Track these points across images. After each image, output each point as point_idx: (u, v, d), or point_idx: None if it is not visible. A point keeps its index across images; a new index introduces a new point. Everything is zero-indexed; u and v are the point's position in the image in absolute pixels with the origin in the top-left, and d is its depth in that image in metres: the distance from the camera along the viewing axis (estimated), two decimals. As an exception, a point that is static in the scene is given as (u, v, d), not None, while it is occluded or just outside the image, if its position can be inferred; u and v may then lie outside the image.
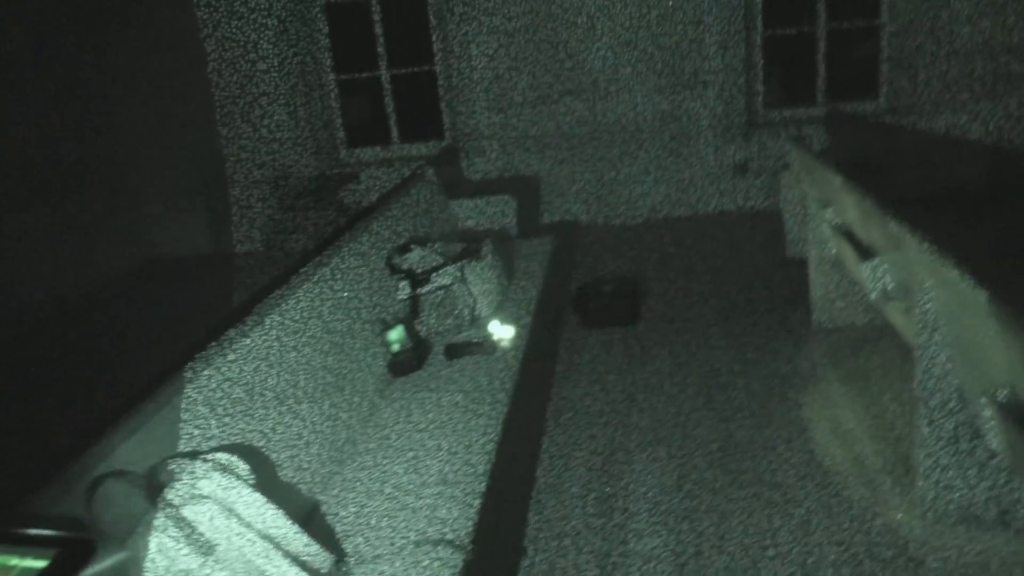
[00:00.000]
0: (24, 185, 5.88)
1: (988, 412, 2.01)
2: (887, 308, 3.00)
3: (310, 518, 2.15)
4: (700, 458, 3.05)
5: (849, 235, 3.34)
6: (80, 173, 6.28)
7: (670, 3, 6.08)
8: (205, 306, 5.41)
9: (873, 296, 2.96)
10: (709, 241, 5.80)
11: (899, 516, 2.58)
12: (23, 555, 1.09)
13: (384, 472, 2.36)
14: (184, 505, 1.55)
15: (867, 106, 6.32)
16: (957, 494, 2.43)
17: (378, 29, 6.52)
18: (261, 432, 2.14)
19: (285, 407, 2.29)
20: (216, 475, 1.66)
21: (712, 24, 6.11)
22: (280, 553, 1.68)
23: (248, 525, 1.65)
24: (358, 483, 2.32)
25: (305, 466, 2.27)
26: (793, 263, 4.56)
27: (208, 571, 1.51)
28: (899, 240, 2.57)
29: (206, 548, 1.50)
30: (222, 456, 1.75)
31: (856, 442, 3.05)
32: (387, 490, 2.26)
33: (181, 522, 1.52)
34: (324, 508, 2.22)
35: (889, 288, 2.85)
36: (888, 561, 2.40)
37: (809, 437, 3.11)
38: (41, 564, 1.08)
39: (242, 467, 1.75)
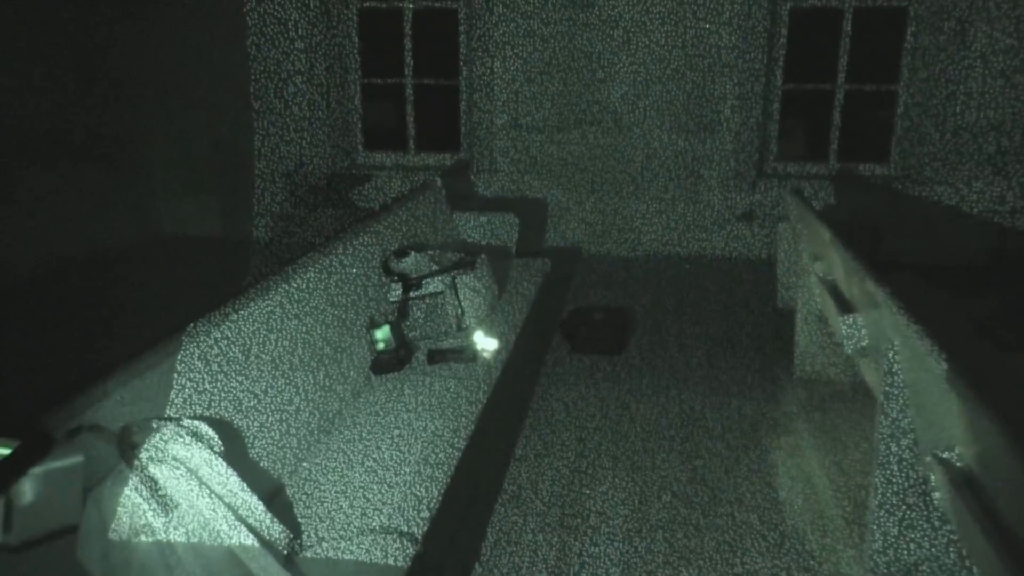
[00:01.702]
0: (45, 150, 6.01)
1: (935, 470, 2.08)
2: (861, 363, 3.07)
3: (274, 496, 2.23)
4: (664, 490, 3.12)
5: (834, 290, 3.42)
6: (98, 143, 6.42)
7: (693, 46, 6.21)
8: (200, 286, 5.51)
9: (848, 350, 3.04)
10: (706, 283, 5.89)
11: (845, 569, 2.64)
12: None
13: (352, 462, 2.44)
14: (151, 464, 1.63)
15: (877, 169, 6.42)
16: (904, 550, 2.49)
17: (407, 39, 6.67)
18: (238, 408, 2.22)
19: (265, 388, 2.38)
20: (187, 440, 1.74)
21: (733, 72, 6.24)
22: (240, 523, 1.76)
23: (212, 492, 1.73)
24: (326, 470, 2.40)
25: (277, 447, 2.35)
26: (783, 313, 4.64)
27: (168, 528, 1.59)
28: (874, 299, 2.65)
29: (167, 506, 1.58)
30: (195, 424, 1.83)
31: (817, 493, 3.11)
32: (352, 480, 2.34)
33: (146, 479, 1.60)
34: (290, 489, 2.30)
35: (863, 344, 2.94)
36: (829, 608, 2.46)
37: (772, 484, 3.18)
38: (5, 451, 1.18)
39: (213, 437, 1.83)
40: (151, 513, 1.59)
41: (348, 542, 2.00)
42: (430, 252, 3.54)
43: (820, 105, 6.46)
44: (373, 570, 1.92)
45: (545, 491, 3.12)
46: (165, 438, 1.70)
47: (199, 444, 1.78)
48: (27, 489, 1.19)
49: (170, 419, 1.82)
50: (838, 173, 6.41)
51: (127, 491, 1.59)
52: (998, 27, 5.84)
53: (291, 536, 1.89)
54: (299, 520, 2.13)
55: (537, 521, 2.92)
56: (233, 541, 1.73)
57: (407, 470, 2.37)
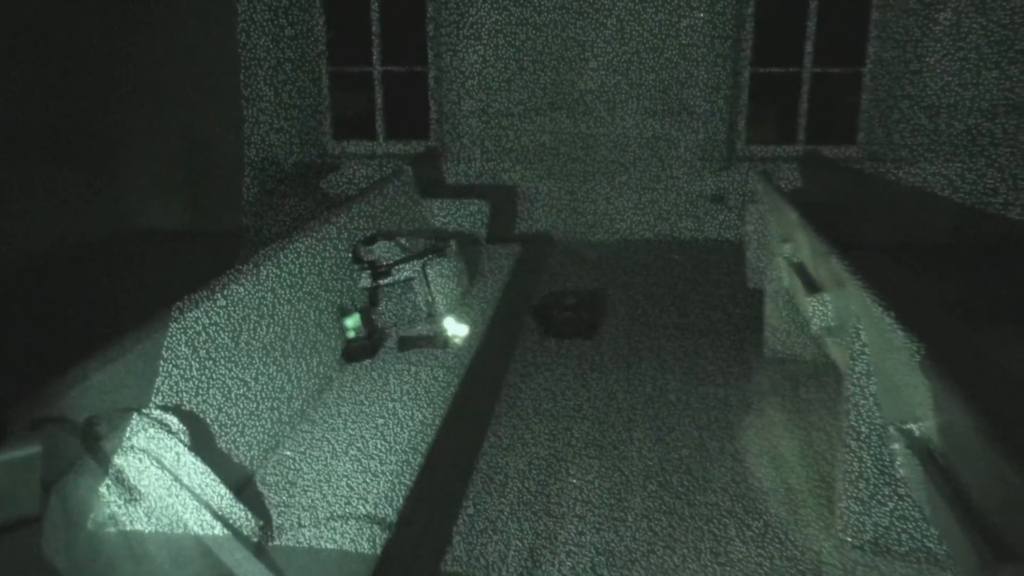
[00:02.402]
0: (12, 145, 5.90)
1: (898, 443, 2.11)
2: (828, 342, 3.11)
3: (245, 485, 2.22)
4: (635, 471, 3.14)
5: (802, 270, 3.46)
6: (65, 137, 6.31)
7: (661, 30, 6.22)
8: (169, 279, 5.45)
9: (816, 329, 3.08)
10: (677, 266, 5.92)
11: (815, 542, 2.68)
12: None
13: (324, 450, 2.43)
14: (116, 455, 1.61)
15: (845, 151, 6.48)
16: (871, 522, 2.54)
17: (375, 26, 6.61)
18: (209, 396, 2.20)
19: (236, 376, 2.36)
20: (152, 431, 1.72)
21: (702, 56, 6.25)
22: (207, 511, 1.74)
23: (178, 481, 1.72)
24: (297, 458, 2.39)
25: (248, 434, 2.34)
26: (753, 294, 4.68)
27: (132, 518, 1.57)
28: (840, 278, 2.69)
29: (133, 497, 1.57)
30: (162, 414, 1.81)
31: (787, 469, 3.15)
32: (324, 467, 2.33)
33: (111, 470, 1.59)
34: (261, 478, 2.28)
35: (830, 323, 2.97)
36: (799, 582, 2.50)
37: (743, 462, 3.21)
38: None
39: (180, 427, 1.81)
40: (116, 504, 1.57)
41: (320, 529, 2.00)
42: (400, 239, 3.53)
43: (789, 88, 6.50)
44: (345, 557, 1.92)
45: (519, 476, 3.13)
46: (130, 429, 1.69)
47: (166, 434, 1.77)
48: None
49: (135, 410, 1.80)
50: (806, 155, 6.46)
51: (91, 482, 1.57)
52: (963, 9, 5.90)
53: (261, 524, 1.88)
54: (270, 508, 2.13)
55: (510, 506, 2.93)
56: (202, 531, 1.72)
57: (379, 457, 2.37)
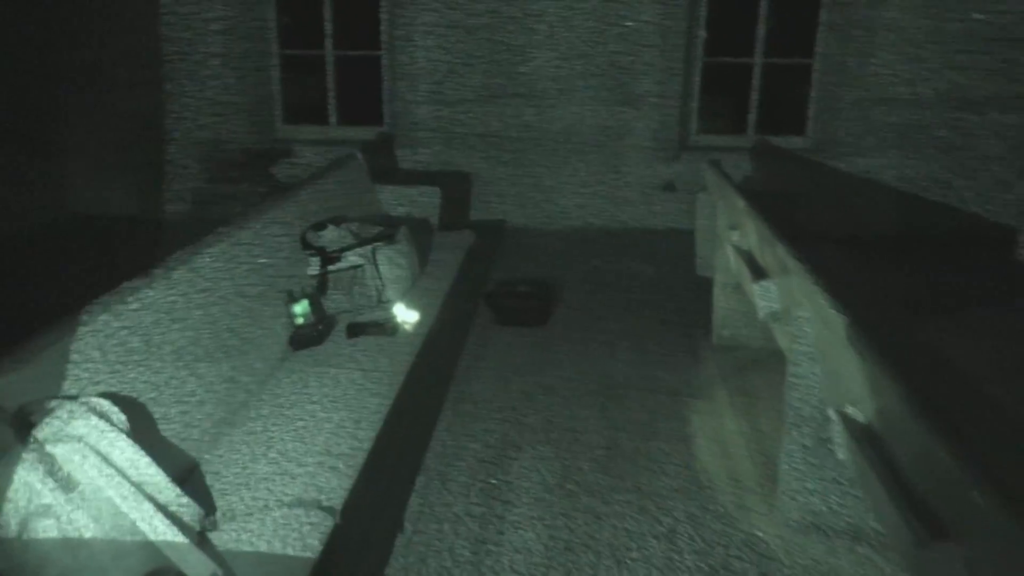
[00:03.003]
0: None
1: (837, 426, 2.16)
2: (774, 327, 3.16)
3: (189, 474, 2.18)
4: (585, 461, 3.16)
5: (749, 257, 3.51)
6: (6, 121, 6.12)
7: (614, 19, 6.23)
8: (119, 262, 5.34)
9: (762, 315, 3.13)
10: (629, 255, 5.96)
11: (759, 523, 2.73)
12: None
13: (271, 437, 2.40)
14: (50, 443, 1.57)
15: (794, 142, 6.58)
16: (811, 504, 2.59)
17: (327, 9, 6.51)
18: (153, 383, 2.16)
19: (182, 362, 2.32)
20: (89, 419, 1.68)
21: (655, 46, 6.28)
22: (147, 501, 1.71)
23: (117, 470, 1.68)
24: (244, 445, 2.36)
25: (194, 423, 2.30)
26: (703, 281, 4.74)
27: (69, 508, 1.53)
28: (785, 265, 2.73)
29: (67, 486, 1.53)
30: (98, 401, 1.77)
31: (733, 455, 3.20)
32: (271, 454, 2.30)
33: (45, 458, 1.54)
34: (207, 465, 2.25)
35: (775, 309, 3.02)
36: (743, 567, 2.54)
37: (690, 449, 3.25)
38: None
39: (118, 414, 1.77)
40: (50, 493, 1.53)
41: (265, 518, 1.98)
42: (350, 225, 3.49)
43: (740, 79, 6.57)
44: (291, 545, 1.90)
45: (467, 461, 3.13)
46: (65, 417, 1.64)
47: (103, 422, 1.73)
48: None
49: (71, 397, 1.76)
50: (757, 145, 6.54)
51: (23, 471, 1.53)
52: (906, 4, 6.03)
53: (204, 513, 1.85)
54: (214, 497, 2.09)
55: (460, 491, 2.93)
56: (142, 521, 1.69)
57: (327, 444, 2.35)
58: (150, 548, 1.67)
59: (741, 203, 3.45)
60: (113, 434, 1.73)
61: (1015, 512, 1.22)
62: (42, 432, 1.59)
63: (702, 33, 6.41)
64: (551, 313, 4.63)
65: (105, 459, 1.68)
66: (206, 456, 2.30)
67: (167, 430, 2.18)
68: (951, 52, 6.06)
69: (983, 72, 6.07)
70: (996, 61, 6.03)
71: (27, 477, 1.52)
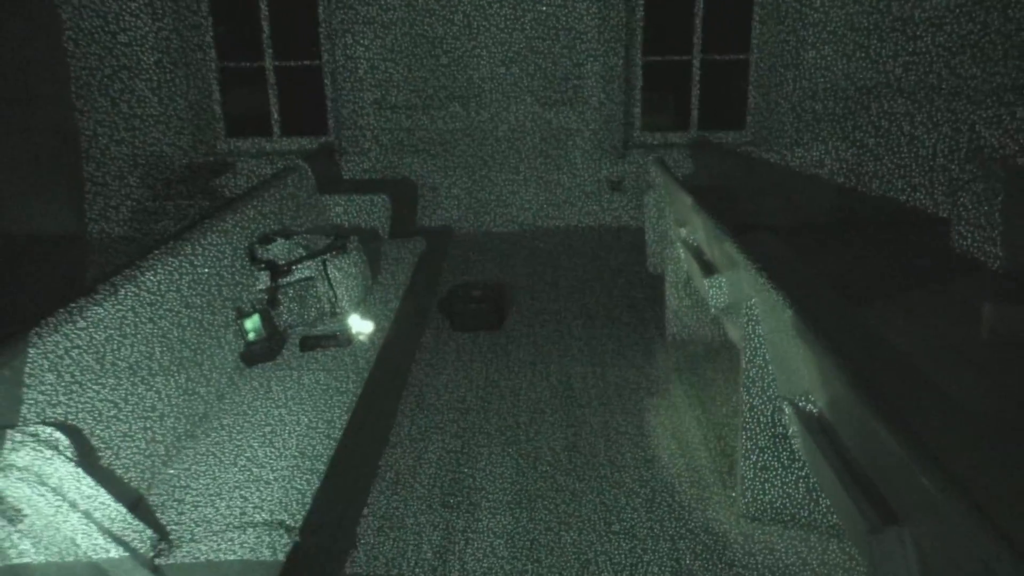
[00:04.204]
0: None
1: (790, 416, 2.20)
2: (725, 321, 3.21)
3: (140, 500, 2.13)
4: (545, 463, 3.17)
5: (698, 253, 3.56)
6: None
7: (554, 21, 6.27)
8: (56, 283, 5.20)
9: (713, 310, 3.17)
10: (578, 253, 6.00)
11: (717, 516, 2.77)
12: None
13: (224, 459, 2.36)
14: (-6, 475, 1.52)
15: (734, 136, 6.70)
16: (769, 495, 2.64)
17: (264, 20, 6.43)
18: (96, 409, 2.10)
19: (126, 385, 2.26)
20: (33, 448, 1.63)
21: (594, 45, 6.34)
22: (98, 530, 1.67)
23: (65, 500, 1.63)
24: (196, 469, 2.31)
25: (141, 446, 2.24)
26: (654, 278, 4.79)
27: (15, 542, 1.49)
28: (733, 259, 2.78)
29: (13, 518, 1.48)
30: (44, 429, 1.72)
31: (690, 448, 3.24)
32: (225, 477, 2.26)
33: (-11, 492, 1.49)
34: (157, 491, 2.20)
35: (726, 303, 3.07)
36: (703, 560, 2.57)
37: (648, 443, 3.29)
38: None
39: (64, 441, 1.72)
40: (-4, 528, 1.48)
41: (220, 540, 1.94)
42: (298, 237, 3.45)
43: (681, 76, 6.66)
44: (248, 567, 1.87)
45: (426, 472, 3.11)
46: (7, 447, 1.59)
47: (48, 451, 1.68)
48: None
49: (12, 427, 1.71)
50: (699, 141, 6.64)
51: (-34, 507, 1.48)
52: (836, -3, 6.19)
53: (157, 539, 1.81)
54: (166, 522, 2.05)
55: (419, 502, 2.91)
56: (93, 551, 1.64)
57: (283, 462, 2.32)
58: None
59: (688, 200, 3.49)
60: (58, 462, 1.68)
61: (960, 494, 1.26)
62: (-16, 465, 1.54)
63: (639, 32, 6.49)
64: (505, 317, 4.64)
65: (51, 489, 1.63)
66: (162, 474, 2.25)
67: (120, 450, 2.13)
68: (879, 41, 6.22)
69: (912, 59, 6.24)
70: (926, 46, 6.21)
71: (-30, 513, 1.47)
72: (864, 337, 3.15)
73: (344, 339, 3.09)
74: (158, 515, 2.07)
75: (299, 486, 2.21)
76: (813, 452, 2.03)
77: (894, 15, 6.15)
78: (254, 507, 2.10)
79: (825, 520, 2.62)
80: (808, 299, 2.22)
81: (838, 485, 1.80)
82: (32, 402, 1.87)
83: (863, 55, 6.24)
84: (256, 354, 2.99)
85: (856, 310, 4.11)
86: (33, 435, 1.67)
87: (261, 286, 3.24)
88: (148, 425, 2.30)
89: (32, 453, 1.62)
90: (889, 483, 1.60)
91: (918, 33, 6.17)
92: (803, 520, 2.64)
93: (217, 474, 2.28)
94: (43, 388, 1.94)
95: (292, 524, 2.04)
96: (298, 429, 2.51)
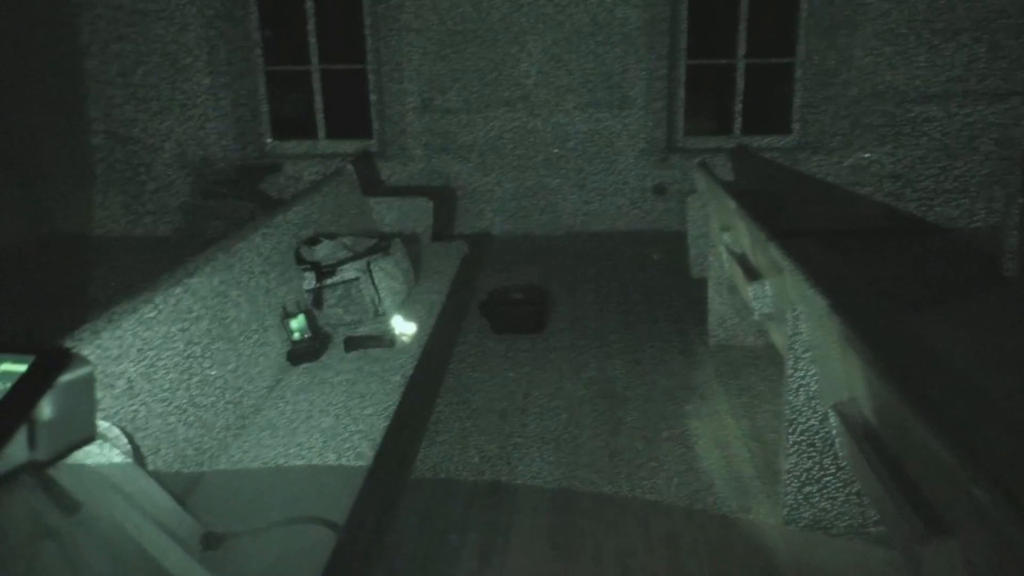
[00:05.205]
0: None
1: (836, 423, 2.18)
2: (769, 327, 3.18)
3: (190, 491, 2.18)
4: (585, 462, 3.17)
5: (742, 258, 3.53)
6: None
7: (599, 24, 6.27)
8: (103, 285, 5.34)
9: (756, 316, 3.15)
10: (621, 257, 5.98)
11: (761, 524, 2.74)
12: (3, 360, 1.18)
13: (271, 454, 2.40)
14: (51, 467, 1.57)
15: (780, 141, 6.63)
16: (813, 502, 2.61)
17: (311, 23, 6.53)
18: (150, 404, 2.16)
19: (178, 381, 2.31)
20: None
21: (639, 49, 6.32)
22: (150, 520, 1.71)
23: (118, 491, 1.68)
24: (243, 463, 2.36)
25: (192, 440, 2.29)
26: (697, 283, 4.76)
27: (71, 531, 1.53)
28: (778, 265, 2.75)
29: (70, 508, 1.53)
30: (98, 423, 1.77)
31: (733, 454, 3.21)
32: (271, 471, 2.31)
33: (46, 482, 1.54)
34: (207, 481, 2.25)
35: (770, 309, 3.04)
36: (745, 569, 2.55)
37: (691, 450, 3.26)
38: (21, 367, 1.17)
39: (118, 434, 1.77)
40: (53, 516, 1.53)
41: (267, 534, 1.98)
42: (343, 239, 3.49)
43: (725, 80, 6.61)
44: (293, 561, 1.90)
45: (467, 472, 3.13)
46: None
47: (103, 443, 1.73)
48: (46, 405, 1.16)
49: (71, 420, 1.76)
50: (743, 145, 6.58)
51: (26, 495, 1.53)
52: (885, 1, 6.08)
53: (206, 531, 1.85)
54: (216, 515, 2.09)
55: (460, 502, 2.93)
56: (145, 540, 1.69)
57: (326, 460, 2.35)
58: (153, 566, 1.67)
59: (732, 204, 3.47)
60: (113, 455, 1.73)
61: (1013, 508, 1.23)
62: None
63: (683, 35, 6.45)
64: (546, 320, 4.65)
65: (105, 480, 1.68)
66: (208, 472, 2.30)
67: (171, 445, 2.18)
68: (933, 43, 6.10)
69: (966, 62, 6.11)
70: (980, 50, 6.08)
71: (30, 500, 1.52)
72: (912, 344, 3.09)
73: (387, 340, 3.12)
74: (206, 509, 2.11)
75: (342, 483, 2.25)
76: (859, 460, 2.00)
77: (948, 15, 6.03)
78: (299, 503, 2.14)
79: (871, 528, 2.58)
80: (854, 305, 2.19)
81: (885, 493, 1.77)
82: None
83: (916, 57, 6.13)
84: (301, 353, 3.03)
85: (903, 317, 4.04)
86: (89, 428, 1.72)
87: (307, 286, 3.29)
88: (198, 421, 2.35)
89: (89, 447, 1.66)
90: (938, 493, 1.58)
91: (975, 35, 6.04)
92: (848, 528, 2.61)
93: (263, 470, 2.32)
94: (99, 382, 2.00)
95: (335, 521, 2.07)
96: (341, 427, 2.55)
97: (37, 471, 1.54)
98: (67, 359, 1.20)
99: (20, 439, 1.16)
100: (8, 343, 1.22)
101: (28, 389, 1.16)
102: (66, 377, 1.19)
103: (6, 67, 6.17)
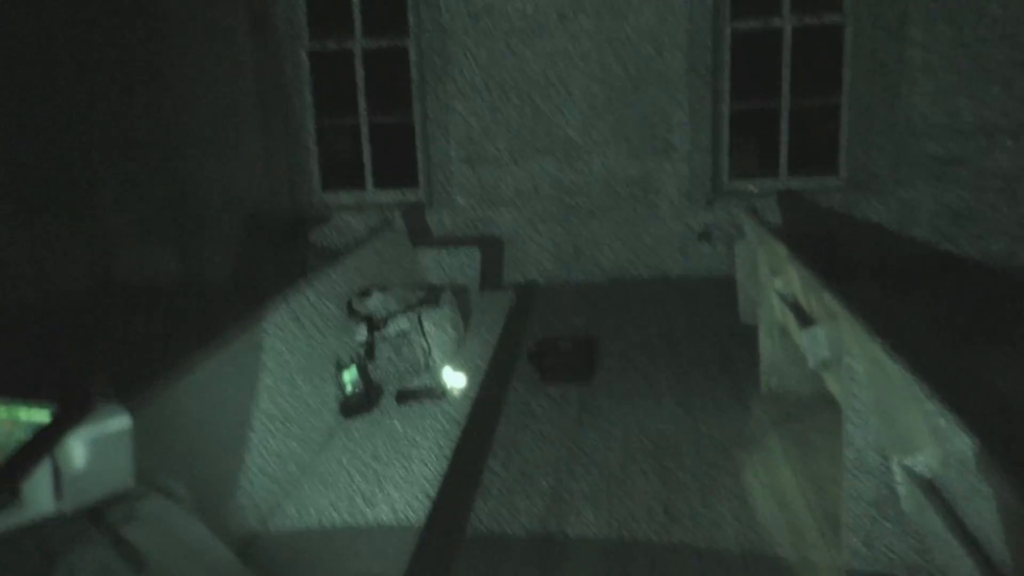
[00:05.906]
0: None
1: (899, 475, 2.12)
2: (824, 375, 3.13)
3: (249, 546, 2.20)
4: (638, 515, 3.12)
5: (794, 304, 3.49)
6: (45, 187, 6.28)
7: (642, 71, 6.33)
8: (166, 332, 5.44)
9: (811, 363, 3.09)
10: (669, 304, 5.95)
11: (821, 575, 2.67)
12: (28, 407, 1.13)
13: (326, 508, 2.42)
14: (120, 524, 1.60)
15: (828, 181, 6.57)
16: (876, 558, 2.53)
17: (360, 79, 6.71)
18: (209, 459, 2.19)
19: (236, 436, 2.35)
20: (154, 497, 1.71)
21: (682, 94, 6.36)
22: (209, 574, 1.73)
23: (183, 547, 1.71)
24: (300, 516, 2.38)
25: (251, 495, 2.32)
26: (747, 329, 4.70)
27: (139, 588, 1.56)
28: (832, 310, 2.71)
29: (140, 564, 1.56)
30: (162, 480, 1.80)
31: (790, 505, 3.14)
32: (327, 526, 2.32)
33: (117, 539, 1.57)
34: (264, 536, 2.27)
35: (825, 356, 2.99)
36: (810, 620, 2.48)
37: (748, 504, 3.20)
38: (44, 417, 1.12)
39: (181, 491, 1.80)
40: (121, 572, 1.56)
41: (325, 589, 1.98)
42: (394, 291, 3.54)
43: (769, 122, 6.61)
44: (352, 616, 1.90)
45: (521, 525, 3.10)
46: (133, 497, 1.68)
47: (168, 500, 1.76)
48: (74, 454, 1.14)
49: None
50: (790, 188, 6.54)
51: (98, 553, 1.56)
52: (932, 37, 6.04)
53: (267, 587, 1.86)
54: (275, 568, 2.11)
55: (513, 558, 2.90)
56: (208, 597, 1.71)
57: (381, 513, 2.36)
58: (217, 625, 1.69)
59: (782, 249, 3.44)
60: (176, 511, 1.76)
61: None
62: (113, 513, 1.63)
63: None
64: (595, 368, 4.63)
65: (171, 536, 1.71)
66: (263, 528, 2.33)
67: (227, 501, 2.21)
68: (980, 80, 6.04)
69: (1016, 98, 6.03)
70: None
71: (100, 558, 1.55)
72: (977, 387, 3.01)
73: (439, 392, 3.14)
74: (264, 562, 2.13)
75: (398, 535, 2.25)
76: (925, 514, 1.95)
77: (995, 52, 5.98)
78: (355, 555, 2.14)
79: (938, 584, 2.49)
80: (914, 350, 2.14)
81: (953, 551, 1.72)
82: (152, 453, 1.97)
83: (964, 94, 6.07)
84: (354, 406, 3.06)
85: (966, 361, 3.94)
86: (155, 485, 1.76)
87: (359, 339, 3.33)
88: (254, 475, 2.38)
89: (155, 503, 1.70)
90: (1014, 553, 1.52)
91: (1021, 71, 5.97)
92: (916, 583, 2.52)
93: (318, 524, 2.33)
94: (161, 439, 2.04)
95: (393, 575, 2.06)
96: (395, 481, 2.55)
97: (107, 527, 1.58)
98: (89, 407, 1.18)
99: (45, 487, 1.14)
100: (36, 391, 1.20)
101: (47, 439, 1.14)
102: (97, 426, 1.17)
103: (64, 110, 6.41)
